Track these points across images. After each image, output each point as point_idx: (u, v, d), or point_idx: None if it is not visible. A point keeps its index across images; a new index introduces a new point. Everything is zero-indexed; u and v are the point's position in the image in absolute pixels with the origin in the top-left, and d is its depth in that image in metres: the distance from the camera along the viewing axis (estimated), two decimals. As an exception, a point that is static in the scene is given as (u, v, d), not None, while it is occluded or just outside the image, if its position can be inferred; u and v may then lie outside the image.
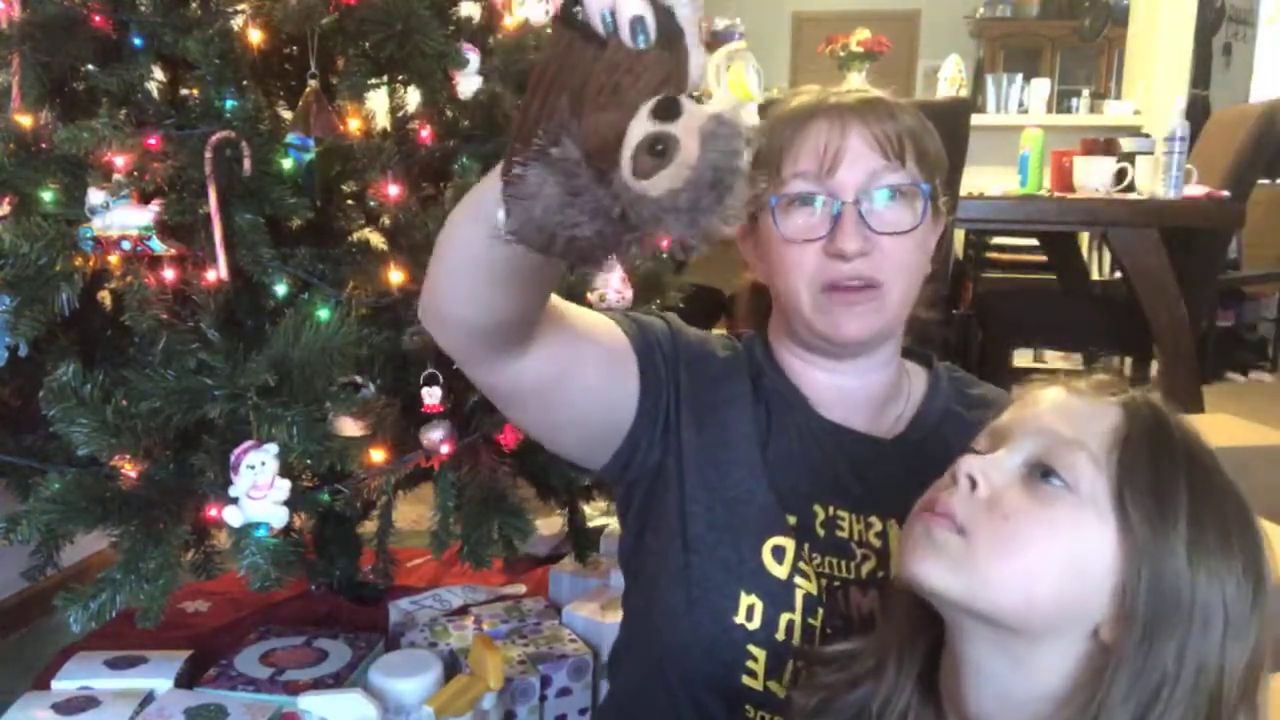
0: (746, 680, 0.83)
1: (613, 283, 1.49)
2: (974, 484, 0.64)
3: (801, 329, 0.90)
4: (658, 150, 0.46)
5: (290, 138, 1.28)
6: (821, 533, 0.87)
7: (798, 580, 0.84)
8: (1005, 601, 0.62)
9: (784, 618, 0.83)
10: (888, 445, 0.92)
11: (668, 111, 0.46)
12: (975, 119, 2.51)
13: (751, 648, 0.83)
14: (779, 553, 0.85)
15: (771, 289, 0.92)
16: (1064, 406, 0.66)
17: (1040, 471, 0.63)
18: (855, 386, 0.93)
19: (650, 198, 0.46)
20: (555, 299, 0.77)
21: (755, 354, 0.95)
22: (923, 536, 0.64)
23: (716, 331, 1.01)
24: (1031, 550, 0.61)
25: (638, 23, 0.48)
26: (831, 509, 0.88)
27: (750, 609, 0.83)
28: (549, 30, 0.52)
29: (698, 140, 0.45)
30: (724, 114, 0.46)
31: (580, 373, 0.82)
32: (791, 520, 0.86)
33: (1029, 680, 0.64)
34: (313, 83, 1.27)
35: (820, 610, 0.84)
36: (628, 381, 0.87)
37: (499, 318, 0.70)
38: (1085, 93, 5.39)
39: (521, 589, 1.85)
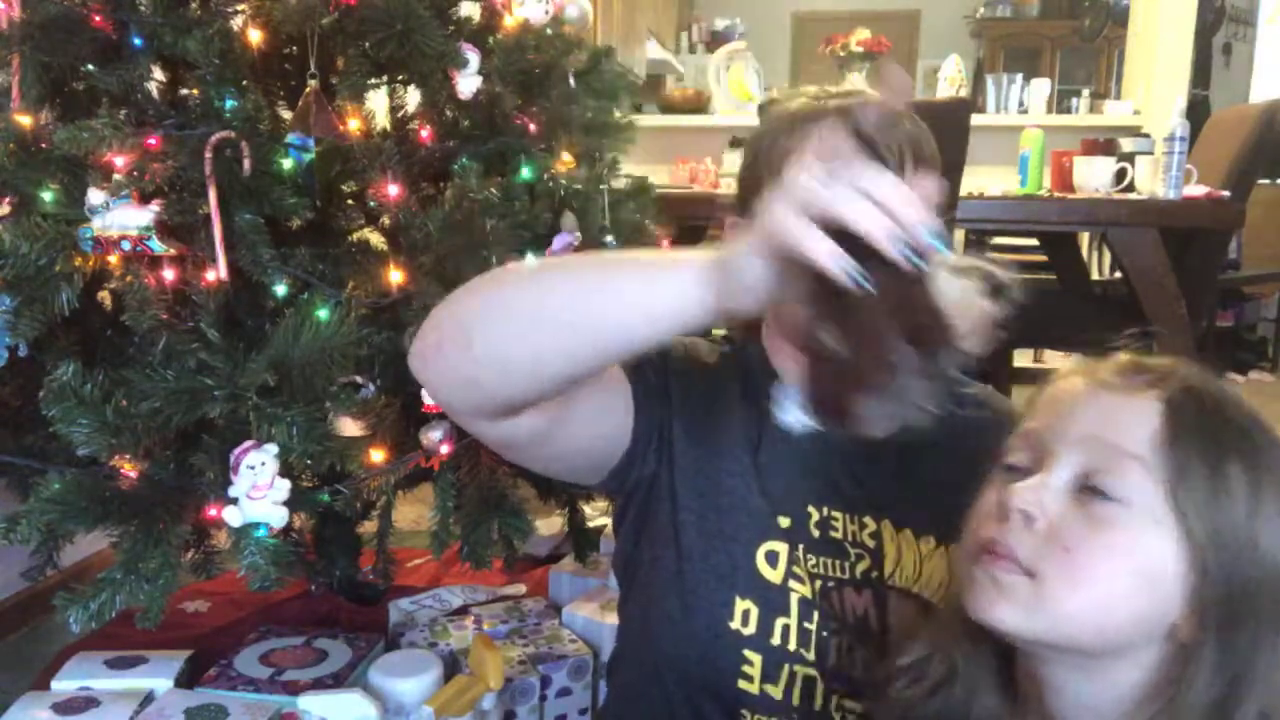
0: (742, 684, 0.83)
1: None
2: (1028, 517, 0.63)
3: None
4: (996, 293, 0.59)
5: (290, 138, 1.28)
6: (816, 533, 0.87)
7: (792, 585, 0.84)
8: (1083, 633, 0.61)
9: (779, 622, 0.83)
10: (881, 446, 0.91)
11: (1000, 289, 0.59)
12: (975, 119, 2.51)
13: (747, 652, 0.83)
14: (773, 558, 0.85)
15: None
16: (1099, 407, 0.64)
17: (1091, 488, 0.62)
18: None
19: (977, 351, 0.58)
20: None
21: (750, 357, 0.95)
22: (988, 582, 0.63)
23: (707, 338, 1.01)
24: (1100, 580, 0.61)
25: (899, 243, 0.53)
26: (825, 509, 0.88)
27: (745, 614, 0.83)
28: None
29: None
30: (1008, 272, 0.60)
31: (575, 412, 0.81)
32: (785, 522, 0.86)
33: (1109, 690, 0.64)
34: (313, 83, 1.27)
35: (815, 614, 0.84)
36: (621, 407, 0.87)
37: (548, 394, 0.69)
38: (1085, 93, 5.38)
39: (521, 589, 1.85)
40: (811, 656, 0.83)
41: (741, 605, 0.83)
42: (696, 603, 0.84)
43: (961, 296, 0.56)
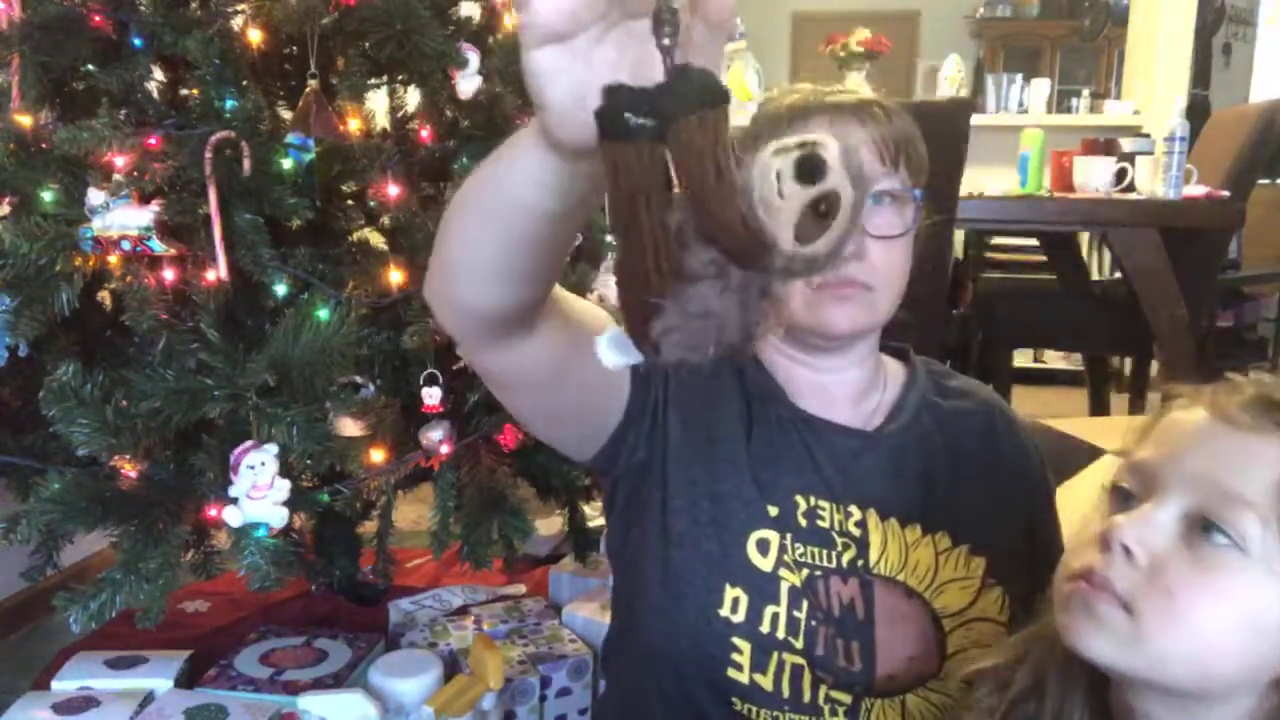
0: (732, 673, 0.83)
1: (613, 283, 1.49)
2: (1129, 552, 0.60)
3: (788, 325, 0.90)
4: (822, 211, 0.44)
5: (290, 138, 1.28)
6: (803, 523, 0.87)
7: (782, 573, 0.85)
8: (1181, 675, 0.59)
9: (768, 610, 0.84)
10: (867, 437, 0.93)
11: (816, 169, 0.44)
12: (975, 119, 2.51)
13: (736, 640, 0.83)
14: (764, 546, 0.86)
15: None
16: (1219, 444, 0.60)
17: (1201, 525, 0.59)
18: (834, 381, 0.94)
19: (820, 255, 0.44)
20: (557, 288, 0.77)
21: None
22: (1083, 611, 0.61)
23: None
24: (1203, 625, 0.58)
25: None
26: (812, 499, 0.88)
27: (735, 601, 0.84)
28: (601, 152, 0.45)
29: (849, 182, 0.44)
30: (849, 147, 0.45)
31: (578, 362, 0.82)
32: (773, 511, 0.87)
33: None
34: (313, 83, 1.27)
35: (805, 603, 0.84)
36: (621, 375, 0.87)
37: (511, 301, 0.69)
38: (1085, 93, 5.38)
39: (521, 589, 1.85)
40: (800, 645, 0.83)
41: (731, 593, 0.84)
42: (686, 590, 0.85)
43: (773, 182, 0.44)
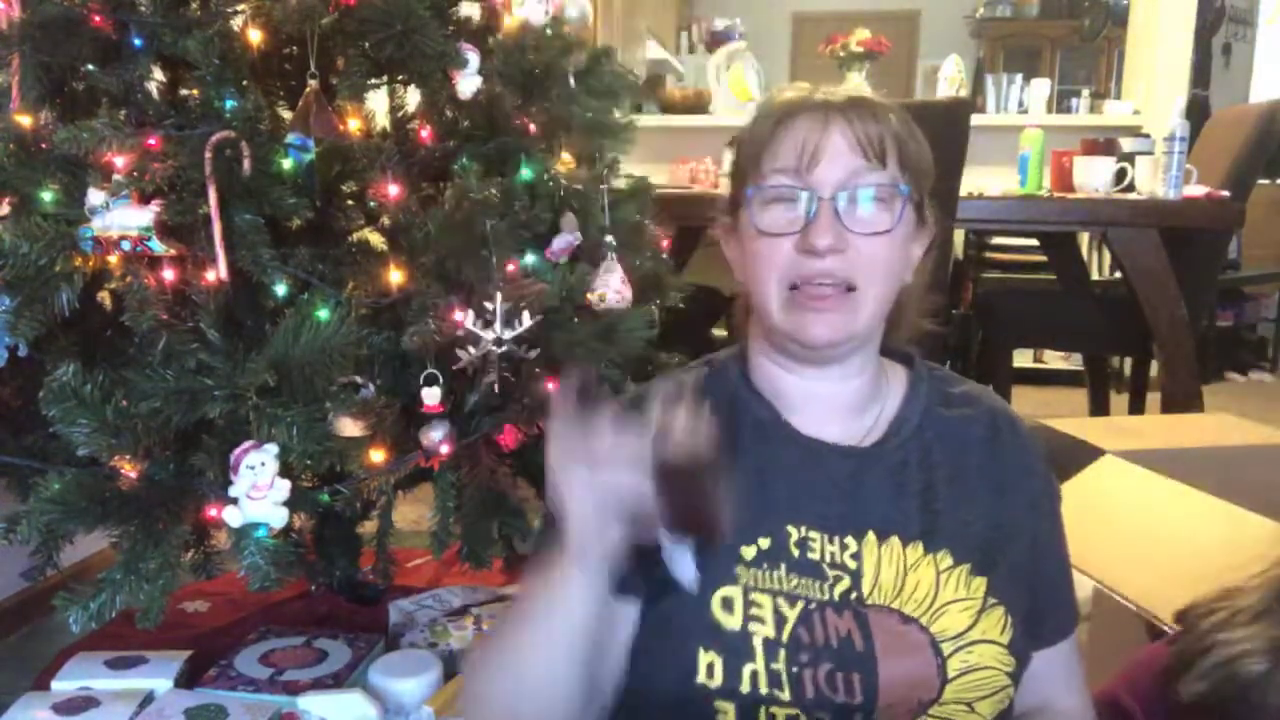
0: None
1: (612, 283, 1.49)
2: None
3: (771, 329, 0.88)
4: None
5: (290, 138, 1.28)
6: (795, 553, 0.85)
7: (752, 628, 0.82)
8: None
9: (746, 669, 0.81)
10: (864, 455, 0.90)
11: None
12: (975, 119, 2.51)
13: (718, 703, 0.82)
14: (728, 604, 0.83)
15: (745, 286, 0.91)
16: None
17: None
18: (831, 393, 0.91)
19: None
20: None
21: (730, 378, 0.94)
22: None
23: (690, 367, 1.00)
24: None
25: None
26: (804, 529, 0.86)
27: (710, 666, 0.82)
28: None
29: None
30: None
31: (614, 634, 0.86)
32: (765, 543, 0.85)
33: None
34: (313, 83, 1.27)
35: (781, 652, 0.82)
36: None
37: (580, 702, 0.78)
38: (1085, 93, 5.38)
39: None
40: (786, 696, 0.81)
41: (705, 658, 0.82)
42: (663, 661, 0.84)
43: None
